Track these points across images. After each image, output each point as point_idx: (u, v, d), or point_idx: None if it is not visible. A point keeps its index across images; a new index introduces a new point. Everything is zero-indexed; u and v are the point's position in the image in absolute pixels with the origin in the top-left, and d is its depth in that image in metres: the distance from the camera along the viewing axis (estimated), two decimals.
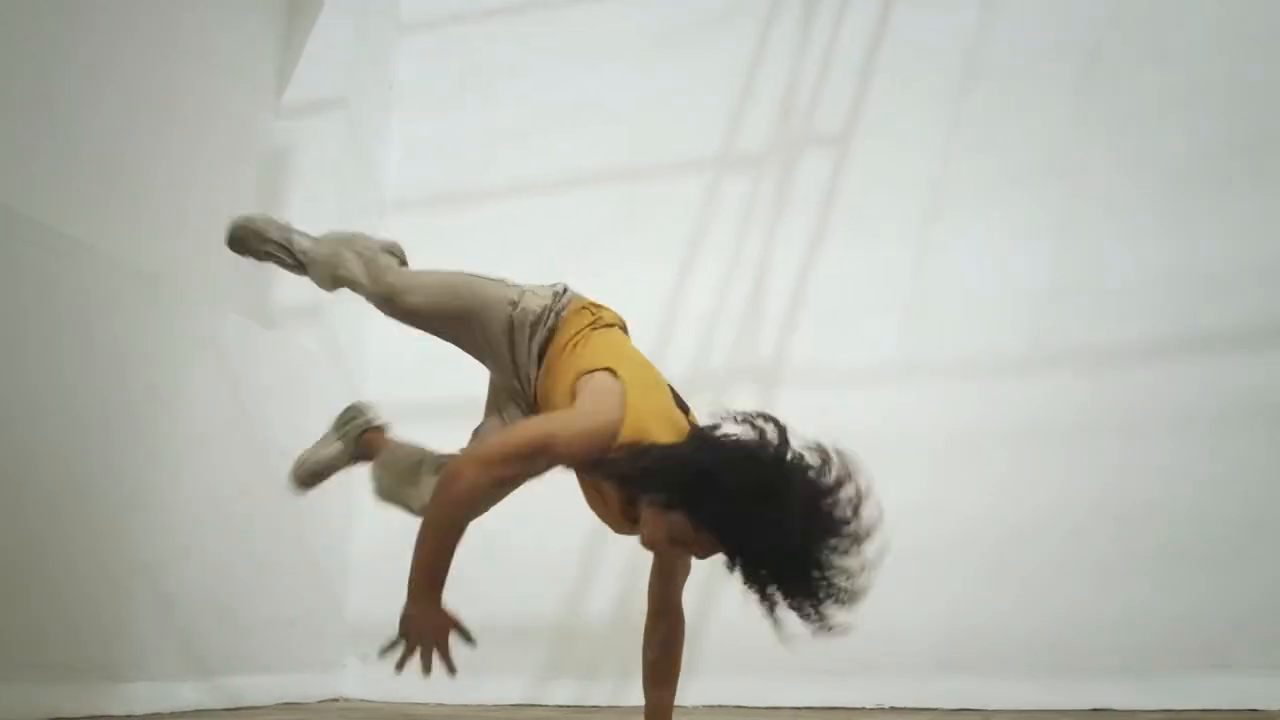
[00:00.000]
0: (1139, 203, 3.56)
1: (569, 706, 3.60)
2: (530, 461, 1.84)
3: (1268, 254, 3.36)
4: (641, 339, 3.92)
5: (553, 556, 3.84)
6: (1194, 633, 3.16)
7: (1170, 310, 3.46)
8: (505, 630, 3.84)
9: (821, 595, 1.67)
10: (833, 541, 1.62)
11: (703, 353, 3.91)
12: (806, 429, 1.76)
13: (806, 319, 3.82)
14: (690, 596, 3.63)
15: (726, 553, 1.73)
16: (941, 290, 3.71)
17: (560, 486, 3.97)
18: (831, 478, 1.66)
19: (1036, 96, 3.73)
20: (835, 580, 1.64)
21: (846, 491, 1.65)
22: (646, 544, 1.82)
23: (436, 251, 4.28)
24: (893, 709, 3.34)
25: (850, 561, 1.64)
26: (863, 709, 3.35)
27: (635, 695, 3.57)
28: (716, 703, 3.49)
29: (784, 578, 1.67)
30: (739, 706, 3.45)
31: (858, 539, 1.64)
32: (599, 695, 3.64)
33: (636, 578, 3.71)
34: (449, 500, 1.92)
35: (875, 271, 3.78)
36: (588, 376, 1.85)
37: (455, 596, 3.94)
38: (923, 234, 3.76)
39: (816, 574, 1.63)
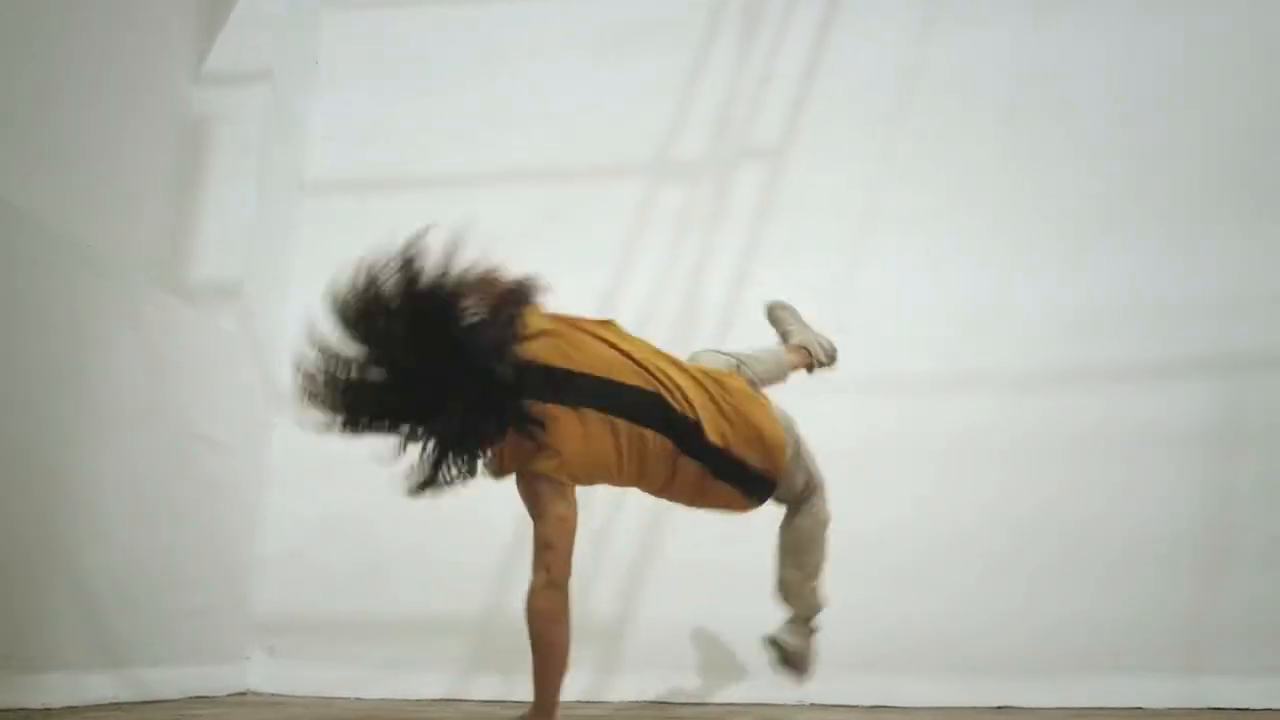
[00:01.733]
0: (1047, 241, 3.83)
1: (492, 701, 3.59)
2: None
3: (1163, 293, 3.67)
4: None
5: (475, 551, 3.82)
6: (1089, 637, 3.43)
7: (1072, 341, 3.73)
8: (427, 625, 3.81)
9: None
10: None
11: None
12: None
13: (738, 329, 3.91)
14: (613, 596, 3.74)
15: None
16: (864, 309, 3.85)
17: (481, 484, 3.98)
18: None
19: (962, 135, 3.94)
20: None
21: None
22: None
23: (353, 237, 4.21)
24: (814, 705, 3.47)
25: None
26: (785, 705, 3.47)
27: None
28: (640, 699, 3.55)
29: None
30: (664, 703, 3.52)
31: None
32: (523, 690, 3.62)
33: None
34: (545, 631, 2.47)
35: (804, 286, 3.87)
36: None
37: (376, 591, 3.91)
38: (850, 253, 3.92)
39: None
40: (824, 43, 4.09)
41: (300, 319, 4.06)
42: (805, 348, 2.90)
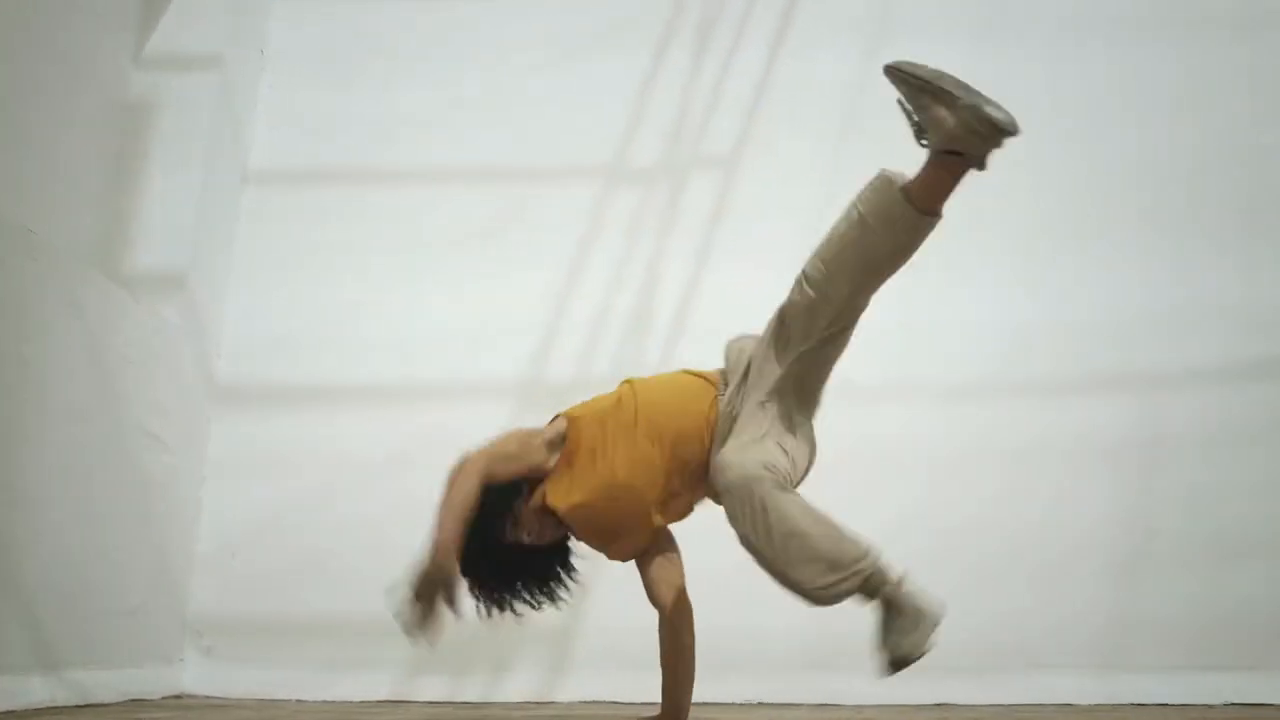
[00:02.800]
0: (987, 257, 3.99)
1: (440, 703, 3.56)
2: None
3: (1093, 311, 3.88)
4: (524, 340, 4.01)
5: (423, 550, 3.78)
6: (1022, 637, 3.59)
7: (1007, 355, 3.90)
8: (372, 625, 3.73)
9: None
10: None
11: (585, 359, 3.99)
12: None
13: (689, 334, 3.98)
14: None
15: None
16: None
17: (425, 480, 3.93)
18: None
19: (908, 152, 4.06)
20: None
21: None
22: None
23: (300, 230, 4.17)
24: (761, 704, 3.55)
25: None
26: (735, 704, 3.54)
27: (507, 691, 3.64)
28: (592, 698, 3.58)
29: None
30: (614, 702, 3.55)
31: None
32: (471, 691, 3.63)
33: None
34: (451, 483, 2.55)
35: (755, 294, 3.97)
36: None
37: (318, 590, 3.83)
38: (799, 263, 4.00)
39: None
40: (777, 56, 4.19)
41: (241, 312, 4.06)
42: None
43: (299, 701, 3.53)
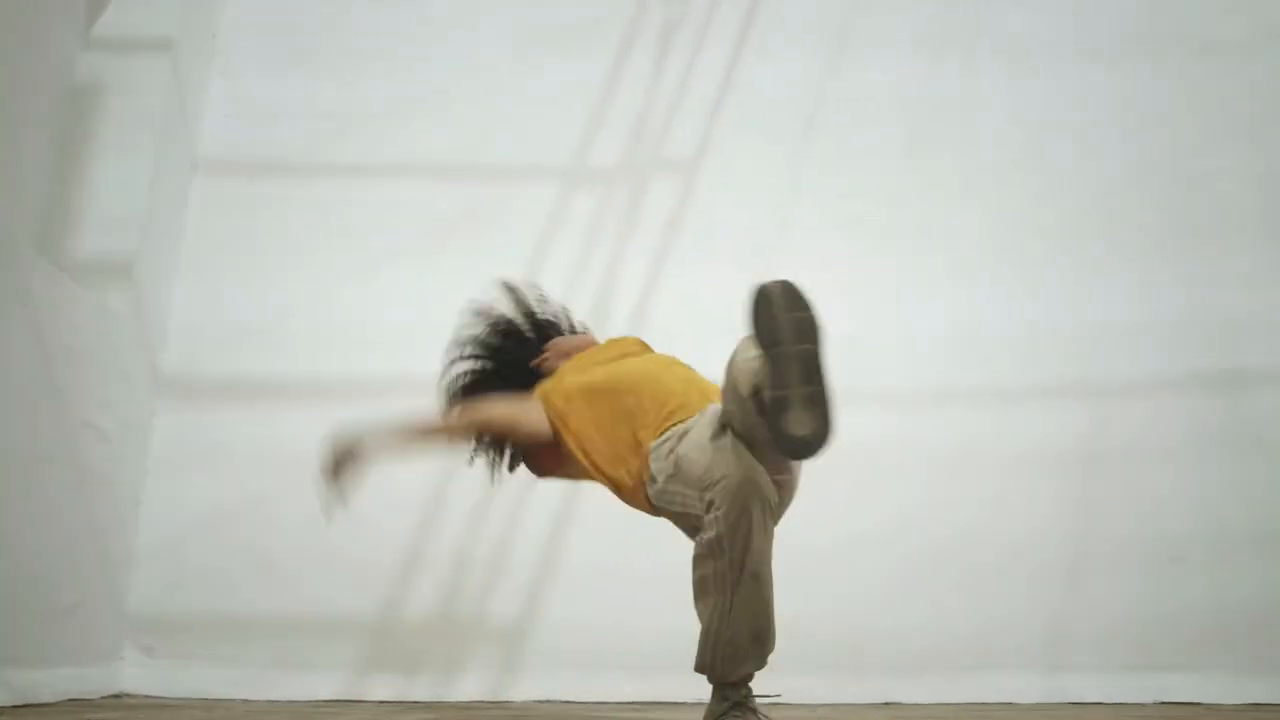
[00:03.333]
0: (936, 266, 4.09)
1: (391, 702, 3.52)
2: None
3: (1039, 320, 4.00)
4: None
5: (373, 548, 3.74)
6: (966, 638, 3.68)
7: (954, 362, 4.00)
8: (321, 623, 3.70)
9: None
10: None
11: None
12: None
13: (646, 337, 3.98)
14: (517, 596, 3.74)
15: None
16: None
17: (381, 477, 3.91)
18: None
19: (864, 161, 4.17)
20: None
21: None
22: None
23: (251, 221, 4.09)
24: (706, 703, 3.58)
25: None
26: (683, 703, 3.56)
27: (460, 690, 3.62)
28: (547, 698, 3.57)
29: None
30: (566, 702, 3.55)
31: None
32: (420, 691, 3.59)
33: (462, 571, 3.75)
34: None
35: (713, 298, 4.01)
36: None
37: (265, 588, 3.76)
38: (755, 267, 4.04)
39: None
40: (738, 63, 4.24)
41: (189, 303, 3.96)
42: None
43: (245, 701, 3.46)
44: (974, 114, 4.24)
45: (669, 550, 3.76)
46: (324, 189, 4.13)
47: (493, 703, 3.55)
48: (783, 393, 2.00)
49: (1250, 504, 3.78)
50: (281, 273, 4.03)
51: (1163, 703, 3.57)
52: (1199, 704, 3.55)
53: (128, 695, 3.50)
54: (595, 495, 3.77)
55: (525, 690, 3.60)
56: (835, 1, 4.34)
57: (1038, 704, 3.56)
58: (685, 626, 3.69)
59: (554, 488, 3.85)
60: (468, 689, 3.61)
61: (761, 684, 3.58)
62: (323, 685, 3.57)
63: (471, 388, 2.81)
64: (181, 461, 3.79)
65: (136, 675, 3.58)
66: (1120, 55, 4.23)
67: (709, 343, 3.87)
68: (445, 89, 4.24)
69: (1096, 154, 4.18)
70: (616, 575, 3.73)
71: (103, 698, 3.40)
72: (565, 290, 4.06)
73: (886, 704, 3.56)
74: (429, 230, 4.11)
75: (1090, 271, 4.05)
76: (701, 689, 3.64)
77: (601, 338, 4.06)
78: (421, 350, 4.09)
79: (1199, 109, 4.17)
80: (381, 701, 3.54)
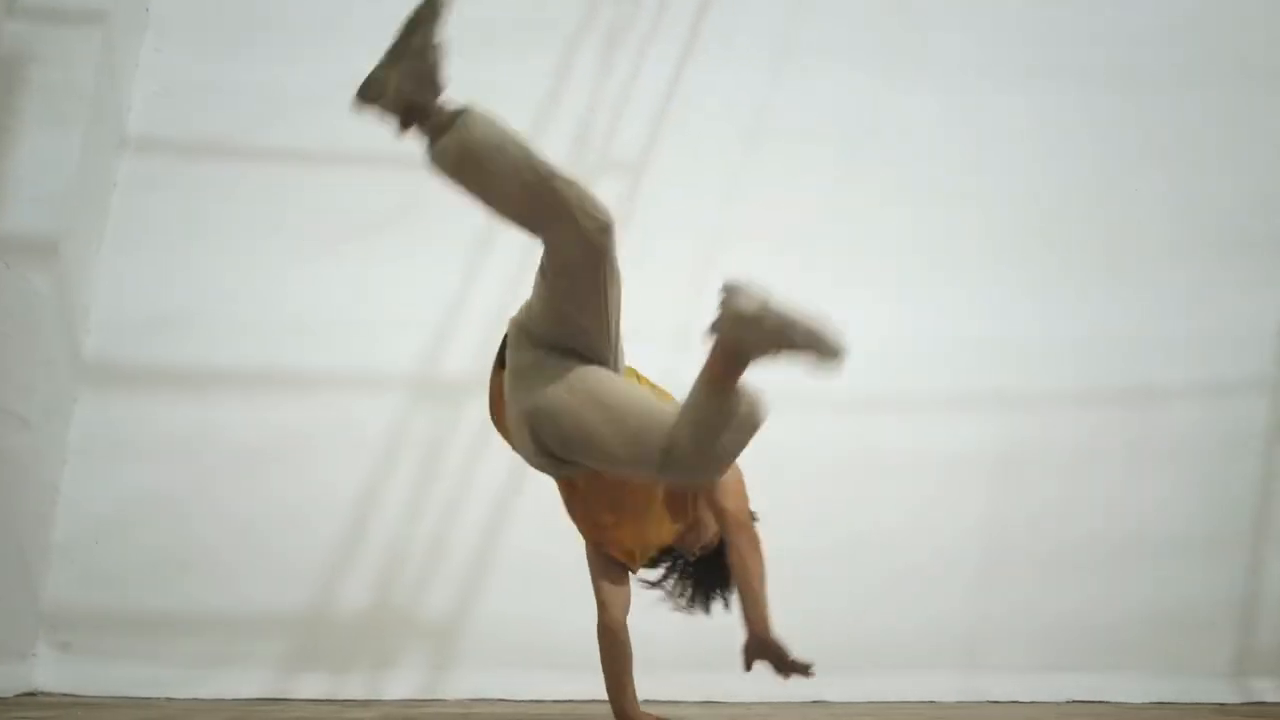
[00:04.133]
0: (871, 276, 4.19)
1: (320, 700, 3.45)
2: None
3: (965, 331, 4.14)
4: (418, 333, 3.93)
5: (302, 542, 3.67)
6: (890, 638, 3.80)
7: (884, 370, 4.11)
8: (247, 620, 3.61)
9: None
10: None
11: (482, 356, 3.93)
12: None
13: None
14: (450, 592, 3.71)
15: None
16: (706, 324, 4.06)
17: (309, 473, 3.83)
18: None
19: (804, 172, 4.25)
20: None
21: None
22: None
23: (182, 202, 3.96)
24: (647, 700, 3.60)
25: None
26: None
27: (392, 688, 3.58)
28: (482, 695, 3.55)
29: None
30: (503, 700, 3.54)
31: None
32: (352, 689, 3.54)
33: (395, 566, 3.71)
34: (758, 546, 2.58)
35: (653, 301, 4.04)
36: None
37: (189, 582, 3.66)
38: (699, 273, 4.10)
39: None
40: (684, 69, 4.28)
41: (115, 286, 3.81)
42: None
43: (169, 700, 3.35)
44: (909, 131, 4.37)
45: None
46: (257, 172, 4.01)
47: (426, 700, 3.52)
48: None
49: (1156, 512, 4.00)
50: (212, 257, 3.90)
51: (1073, 701, 3.75)
52: (1106, 702, 3.75)
53: (42, 693, 3.36)
54: (532, 490, 3.79)
55: (459, 688, 3.57)
56: (779, 15, 4.41)
57: (958, 702, 3.71)
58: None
59: (491, 479, 3.85)
60: (400, 687, 3.56)
61: (699, 684, 3.67)
62: (249, 683, 3.48)
63: None
64: (103, 451, 3.65)
65: (51, 673, 3.42)
66: (1051, 81, 4.41)
67: (650, 343, 3.96)
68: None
69: (1022, 175, 4.35)
70: (552, 572, 3.69)
71: (15, 696, 3.25)
72: (507, 287, 4.07)
73: (817, 702, 3.65)
74: (365, 220, 4.04)
75: (1013, 287, 4.21)
76: (643, 689, 3.71)
77: None
78: (354, 343, 4.05)
79: (1122, 136, 4.38)
80: (311, 700, 3.47)
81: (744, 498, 2.59)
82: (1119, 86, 4.46)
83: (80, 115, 3.64)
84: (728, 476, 2.51)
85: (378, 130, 4.05)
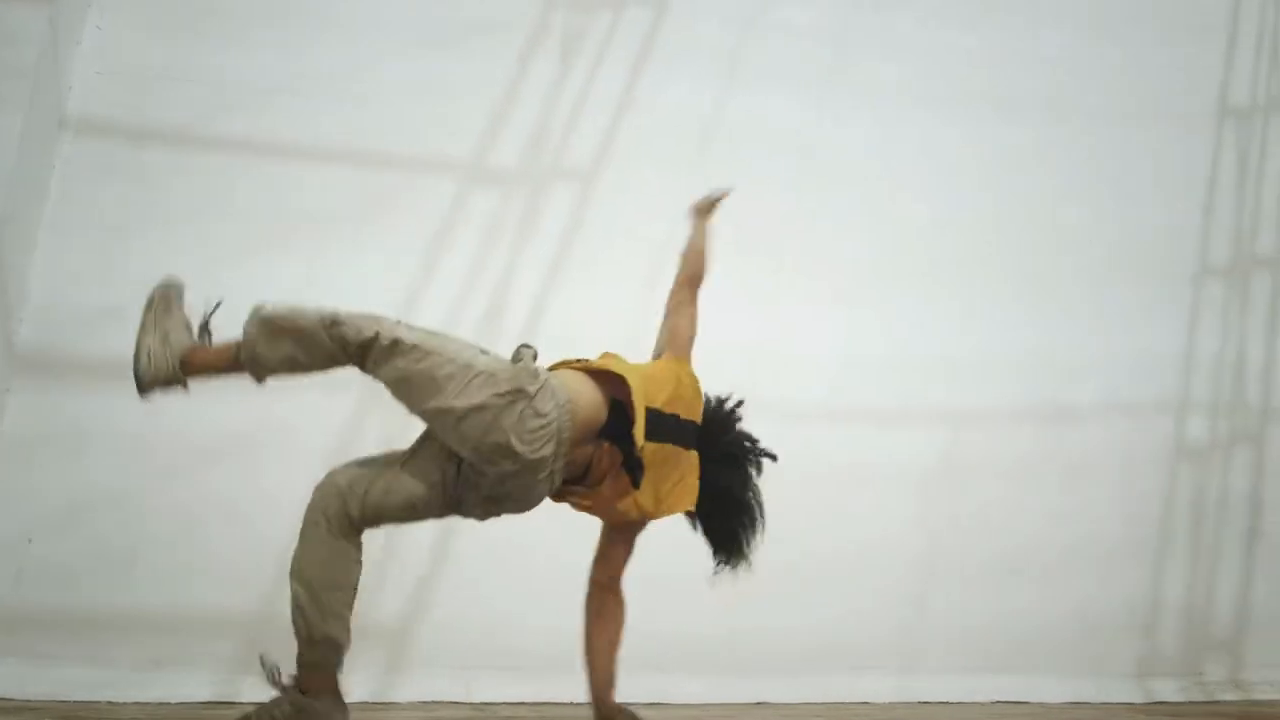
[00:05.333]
0: (815, 293, 4.34)
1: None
2: None
3: (901, 348, 4.32)
4: None
5: (248, 541, 3.59)
6: (828, 642, 3.95)
7: (825, 383, 4.26)
8: (192, 621, 3.52)
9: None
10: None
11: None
12: None
13: (538, 343, 4.00)
14: (403, 595, 3.69)
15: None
16: (652, 339, 4.11)
17: (253, 471, 3.78)
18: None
19: (751, 189, 4.29)
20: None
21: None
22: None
23: (124, 190, 3.83)
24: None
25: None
26: (569, 703, 3.62)
27: (345, 691, 3.52)
28: (433, 699, 3.55)
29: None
30: (452, 702, 3.54)
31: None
32: None
33: None
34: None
35: (604, 309, 4.09)
36: None
37: (130, 583, 3.56)
38: (649, 281, 4.16)
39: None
40: (636, 81, 4.32)
41: (51, 274, 3.66)
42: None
43: (110, 704, 3.25)
44: (850, 154, 4.51)
45: (555, 551, 3.83)
46: (205, 162, 3.90)
47: (376, 704, 3.50)
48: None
49: (1077, 522, 4.26)
50: (155, 248, 3.75)
51: (998, 701, 3.96)
52: (1028, 702, 3.97)
53: None
54: None
55: (412, 691, 3.56)
56: (728, 35, 4.49)
57: (891, 703, 3.89)
58: (570, 627, 3.79)
59: None
60: (350, 690, 3.51)
61: (647, 686, 3.74)
62: (194, 687, 3.38)
63: None
64: (37, 445, 3.50)
65: None
66: (983, 113, 4.62)
67: (599, 352, 4.01)
68: (341, 70, 4.09)
69: (959, 201, 4.55)
70: (505, 574, 3.76)
71: None
72: (458, 290, 4.07)
73: (758, 704, 3.77)
74: (316, 216, 3.96)
75: (948, 308, 4.41)
76: (583, 689, 3.76)
77: (493, 341, 4.06)
78: None
79: (1049, 168, 4.63)
80: (258, 703, 3.40)
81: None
82: (1046, 120, 4.71)
83: (20, 94, 3.48)
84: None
85: (331, 126, 4.07)
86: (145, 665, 3.40)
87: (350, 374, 3.81)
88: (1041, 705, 3.94)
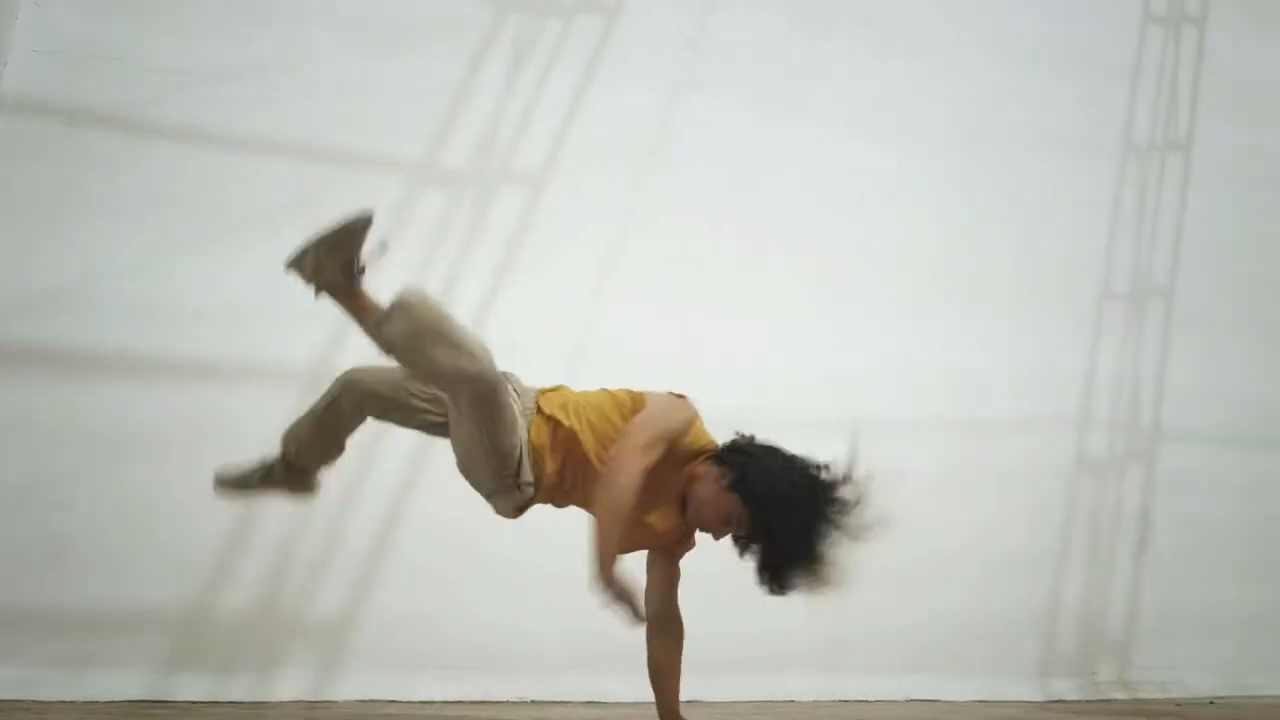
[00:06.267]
0: (749, 305, 4.46)
1: (202, 702, 3.35)
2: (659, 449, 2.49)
3: (823, 362, 4.48)
4: (314, 328, 3.85)
5: (184, 536, 3.54)
6: (753, 642, 4.06)
7: (745, 394, 4.36)
8: (123, 617, 3.45)
9: (814, 578, 2.61)
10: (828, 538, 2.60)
11: (380, 355, 3.91)
12: None
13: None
14: (343, 595, 3.69)
15: (756, 538, 2.60)
16: (599, 343, 4.19)
17: (191, 466, 3.73)
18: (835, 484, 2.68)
19: (693, 200, 4.45)
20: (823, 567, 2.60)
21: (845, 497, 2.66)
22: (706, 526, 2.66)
23: (60, 174, 3.73)
24: (534, 702, 3.73)
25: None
26: (505, 702, 3.69)
27: (279, 690, 3.53)
28: (369, 697, 3.55)
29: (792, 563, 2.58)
30: (391, 700, 3.55)
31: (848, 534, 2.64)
32: (237, 690, 3.45)
33: (285, 564, 3.66)
34: (624, 487, 2.41)
35: (549, 313, 4.14)
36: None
37: (56, 577, 3.48)
38: (596, 286, 4.25)
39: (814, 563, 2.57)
40: (587, 87, 4.38)
41: None
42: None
43: (36, 703, 3.16)
44: (784, 170, 4.66)
45: (495, 549, 3.89)
46: (146, 149, 3.80)
47: (315, 702, 3.48)
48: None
49: (994, 530, 4.50)
50: (92, 234, 3.67)
51: (912, 699, 4.17)
52: (940, 700, 4.19)
53: None
54: (425, 491, 3.83)
55: (348, 689, 3.56)
56: (676, 47, 4.57)
57: (815, 701, 4.04)
58: (510, 625, 3.87)
59: (385, 477, 3.84)
60: (287, 688, 3.51)
61: (584, 686, 3.82)
62: (125, 685, 3.32)
63: None
64: None
65: None
66: (911, 138, 4.82)
67: (547, 354, 4.06)
68: (290, 61, 4.03)
69: (881, 222, 4.71)
70: (444, 573, 3.79)
71: None
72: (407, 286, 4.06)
73: (690, 702, 3.86)
74: (261, 210, 3.89)
75: (877, 322, 4.59)
76: (524, 688, 3.82)
77: None
78: (241, 334, 3.92)
79: (972, 193, 4.87)
80: (191, 702, 3.37)
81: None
82: (966, 148, 4.92)
83: None
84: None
85: (277, 118, 4.02)
86: (74, 663, 3.32)
87: (293, 366, 3.85)
88: (951, 704, 4.16)
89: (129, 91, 3.82)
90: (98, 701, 3.25)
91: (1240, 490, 5.04)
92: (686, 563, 4.01)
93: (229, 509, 3.55)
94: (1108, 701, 4.49)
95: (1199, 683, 4.72)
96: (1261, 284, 5.36)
